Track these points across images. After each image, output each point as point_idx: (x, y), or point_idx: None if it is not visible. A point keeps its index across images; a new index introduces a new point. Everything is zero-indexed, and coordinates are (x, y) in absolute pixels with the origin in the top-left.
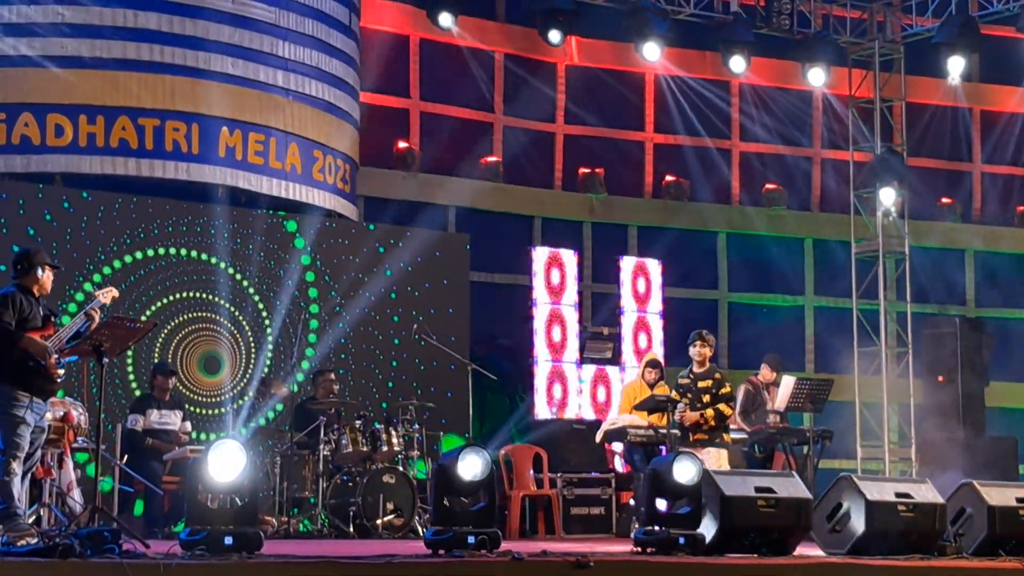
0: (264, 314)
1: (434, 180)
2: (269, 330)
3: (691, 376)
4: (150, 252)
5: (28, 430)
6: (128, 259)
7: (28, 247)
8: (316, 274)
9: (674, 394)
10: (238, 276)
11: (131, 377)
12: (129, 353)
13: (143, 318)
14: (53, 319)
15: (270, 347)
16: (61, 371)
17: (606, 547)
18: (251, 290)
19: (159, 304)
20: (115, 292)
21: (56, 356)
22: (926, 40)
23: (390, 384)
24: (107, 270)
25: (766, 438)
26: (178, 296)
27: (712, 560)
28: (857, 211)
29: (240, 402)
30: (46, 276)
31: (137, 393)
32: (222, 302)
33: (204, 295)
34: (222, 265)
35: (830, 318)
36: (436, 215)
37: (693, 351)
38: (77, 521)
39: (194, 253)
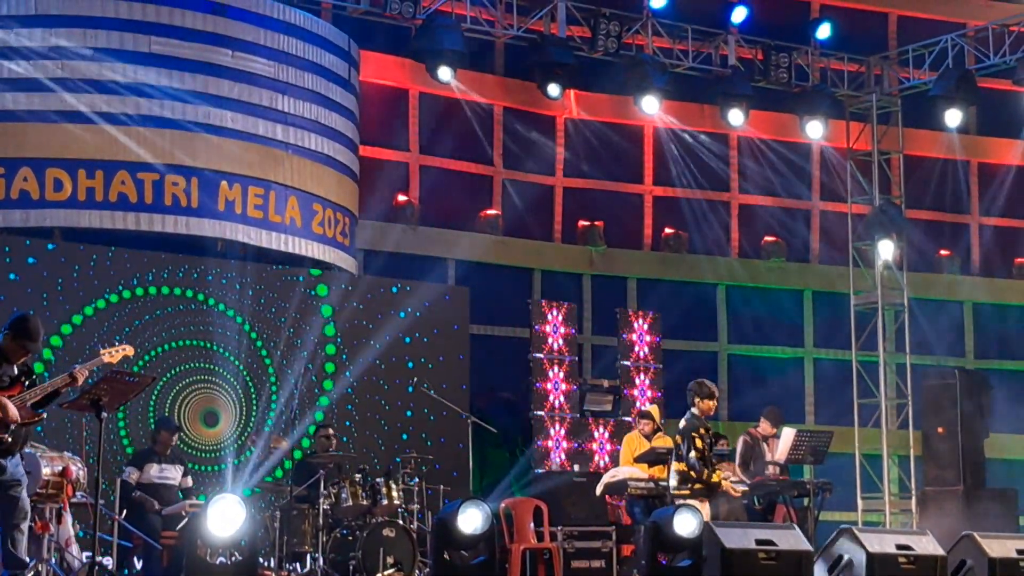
0: (261, 369)
1: (433, 233)
2: (257, 386)
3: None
4: (148, 291)
5: None
6: (114, 298)
7: (26, 316)
8: (308, 327)
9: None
10: (246, 327)
11: (123, 432)
12: (152, 408)
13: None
14: (24, 381)
15: (254, 399)
16: (7, 436)
17: None
18: (260, 343)
19: (158, 351)
20: (129, 350)
21: None
22: (923, 93)
23: (392, 437)
24: (91, 310)
25: (766, 490)
26: (177, 344)
27: None
28: (856, 263)
29: (243, 457)
30: (18, 349)
31: (129, 449)
32: (219, 363)
33: (203, 343)
34: (230, 312)
35: (830, 370)
36: (436, 268)
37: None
38: None
39: (191, 293)
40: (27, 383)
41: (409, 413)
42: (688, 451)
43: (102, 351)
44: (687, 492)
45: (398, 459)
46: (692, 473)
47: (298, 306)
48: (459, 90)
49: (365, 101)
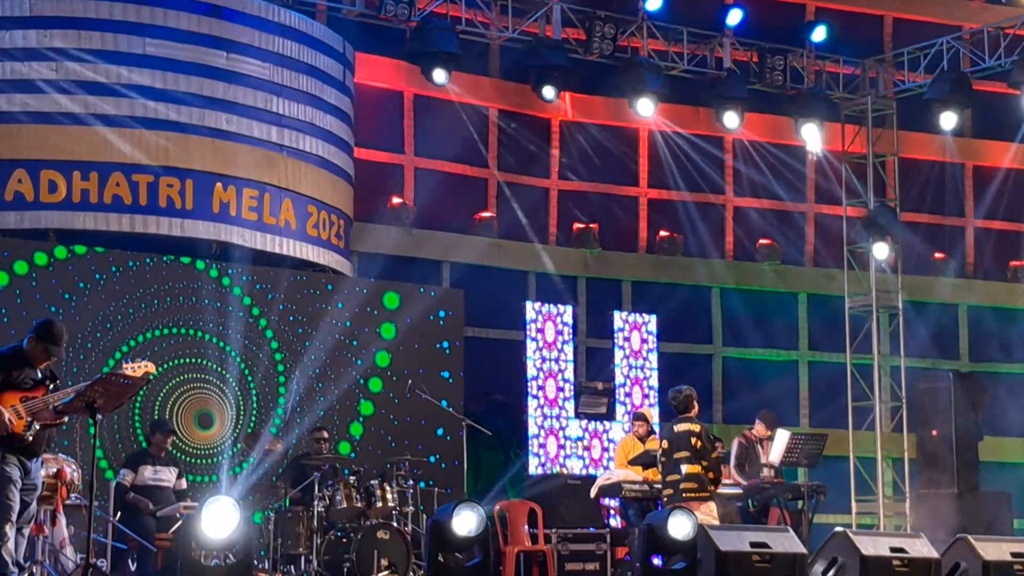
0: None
1: (428, 235)
2: (253, 386)
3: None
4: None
5: (16, 489)
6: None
7: (51, 321)
8: (311, 329)
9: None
10: (255, 315)
11: (92, 430)
12: (137, 411)
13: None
14: (48, 384)
15: (255, 399)
16: (29, 434)
17: None
18: (234, 355)
19: (145, 337)
20: (151, 367)
21: (29, 420)
22: (918, 96)
23: (387, 439)
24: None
25: (761, 493)
26: (172, 342)
27: None
28: (851, 266)
29: (237, 461)
30: (41, 353)
31: (99, 452)
32: (217, 360)
33: (198, 334)
34: (241, 296)
35: (824, 373)
36: (430, 270)
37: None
38: None
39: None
40: (51, 387)
41: (404, 415)
42: (711, 453)
43: (125, 365)
44: (707, 495)
45: (396, 454)
46: (710, 475)
47: (315, 307)
48: (454, 92)
49: (360, 103)
